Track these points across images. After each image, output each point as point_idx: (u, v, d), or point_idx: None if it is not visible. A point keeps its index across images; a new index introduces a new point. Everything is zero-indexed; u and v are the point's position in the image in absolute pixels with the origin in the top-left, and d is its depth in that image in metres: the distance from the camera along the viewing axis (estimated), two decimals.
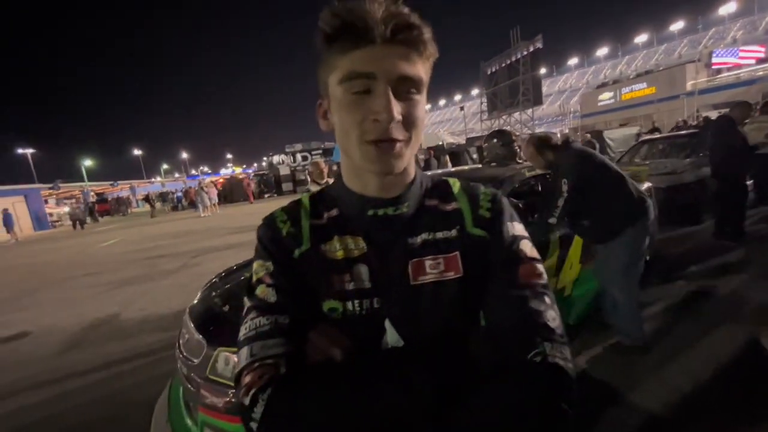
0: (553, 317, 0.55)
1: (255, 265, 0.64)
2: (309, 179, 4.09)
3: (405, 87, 0.52)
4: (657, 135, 9.74)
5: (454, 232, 0.62)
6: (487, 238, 0.61)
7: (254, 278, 0.62)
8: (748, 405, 1.98)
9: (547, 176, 2.50)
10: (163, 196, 25.34)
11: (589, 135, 11.09)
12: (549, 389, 0.49)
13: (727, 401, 2.03)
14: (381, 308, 0.59)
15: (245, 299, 0.62)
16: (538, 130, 23.09)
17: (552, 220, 2.18)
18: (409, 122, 0.53)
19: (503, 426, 0.46)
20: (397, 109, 0.51)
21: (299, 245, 0.62)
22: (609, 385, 2.21)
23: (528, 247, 0.62)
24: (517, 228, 0.63)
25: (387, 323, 0.59)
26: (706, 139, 4.76)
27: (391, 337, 0.59)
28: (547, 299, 0.57)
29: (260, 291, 0.60)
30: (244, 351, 0.56)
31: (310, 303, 0.61)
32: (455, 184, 0.68)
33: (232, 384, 1.52)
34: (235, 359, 1.64)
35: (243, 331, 0.59)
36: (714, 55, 29.00)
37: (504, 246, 0.61)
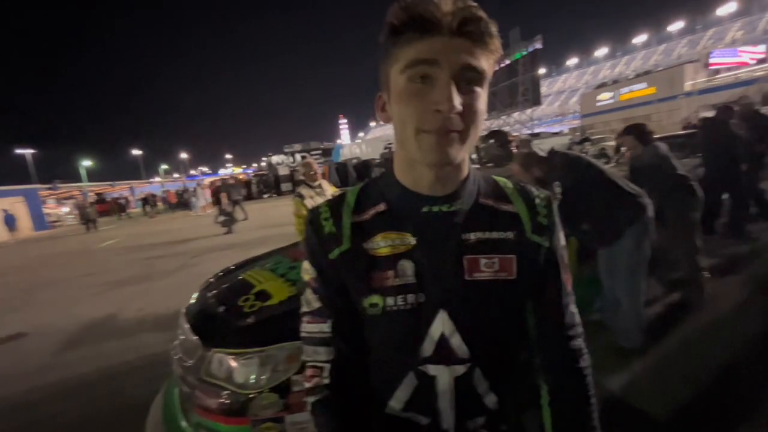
0: (578, 315, 0.70)
1: (304, 263, 0.69)
2: (302, 184, 3.68)
3: (467, 78, 0.52)
4: (588, 145, 10.15)
5: (511, 235, 0.62)
6: (544, 245, 0.64)
7: (305, 277, 0.69)
8: (748, 409, 1.97)
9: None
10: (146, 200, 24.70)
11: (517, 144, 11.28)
12: (590, 374, 0.68)
13: (725, 404, 2.02)
14: (426, 303, 0.60)
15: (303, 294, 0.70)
16: (537, 130, 23.10)
17: None
18: (469, 114, 0.53)
19: (576, 410, 0.66)
20: (458, 99, 0.51)
21: (339, 244, 0.63)
22: (605, 388, 2.20)
23: (566, 255, 0.69)
24: (562, 237, 0.69)
25: (442, 314, 0.60)
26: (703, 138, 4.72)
27: (444, 328, 0.61)
28: (574, 300, 0.70)
29: (308, 294, 0.68)
30: (305, 347, 0.69)
31: (351, 301, 0.64)
32: (507, 184, 0.68)
33: (227, 385, 1.53)
34: (230, 361, 1.64)
35: (301, 328, 0.70)
36: (712, 55, 29.00)
37: (557, 255, 0.66)
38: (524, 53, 28.25)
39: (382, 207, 0.64)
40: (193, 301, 2.16)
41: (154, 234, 12.91)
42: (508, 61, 30.45)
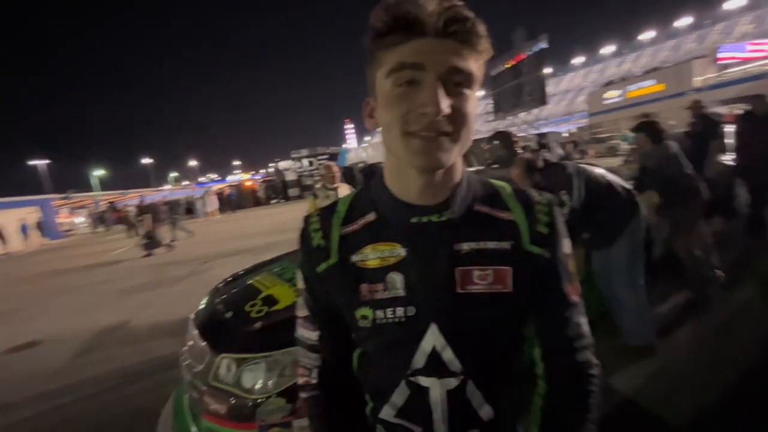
0: (586, 325, 0.66)
1: (298, 270, 0.70)
2: (320, 184, 3.82)
3: (455, 80, 0.50)
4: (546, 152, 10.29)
5: (506, 245, 0.59)
6: (545, 256, 0.60)
7: (298, 284, 0.70)
8: (762, 411, 1.93)
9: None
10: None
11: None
12: (598, 386, 0.65)
13: (739, 406, 1.98)
14: (416, 316, 0.58)
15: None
16: (543, 130, 22.91)
17: None
18: (457, 117, 0.51)
19: (579, 417, 0.63)
20: (445, 102, 0.49)
21: (326, 258, 0.63)
22: (617, 389, 2.17)
23: (573, 264, 0.65)
24: (567, 245, 0.64)
25: (433, 328, 0.58)
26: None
27: (436, 342, 0.59)
28: (582, 310, 0.66)
29: (300, 301, 0.70)
30: (297, 347, 0.73)
31: (339, 313, 0.64)
32: (505, 189, 0.64)
33: (234, 390, 1.55)
34: (237, 366, 1.65)
35: (296, 331, 0.73)
36: (720, 50, 28.55)
37: (560, 266, 0.62)
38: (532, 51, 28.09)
39: (372, 216, 0.62)
40: (201, 307, 2.19)
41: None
42: (513, 62, 30.35)
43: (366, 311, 0.60)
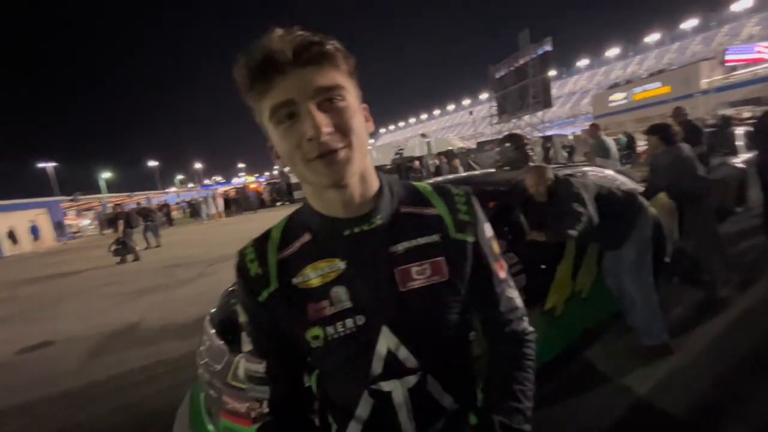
0: (518, 297, 0.73)
1: (239, 305, 0.69)
2: None
3: (327, 97, 0.54)
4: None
5: (436, 237, 0.63)
6: (469, 241, 0.66)
7: (240, 318, 0.69)
8: None
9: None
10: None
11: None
12: (533, 349, 0.71)
13: (755, 406, 1.97)
14: (366, 323, 0.60)
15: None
16: (548, 133, 22.83)
17: (572, 233, 2.21)
18: (343, 129, 0.54)
19: (516, 377, 0.68)
20: (324, 122, 0.52)
21: (267, 286, 0.63)
22: (631, 389, 2.16)
23: (496, 245, 0.72)
24: (488, 228, 0.71)
25: (384, 330, 0.61)
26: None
27: (389, 343, 0.61)
28: (513, 284, 0.73)
29: (244, 335, 0.69)
30: (248, 385, 0.70)
31: (287, 340, 0.64)
32: (426, 188, 0.69)
33: None
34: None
35: (244, 366, 0.71)
36: (728, 51, 28.39)
37: (485, 248, 0.68)
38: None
39: (306, 237, 0.64)
40: (216, 308, 2.21)
41: (171, 244, 13.16)
42: (517, 64, 30.33)
43: (316, 331, 0.61)
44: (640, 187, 3.34)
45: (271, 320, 0.64)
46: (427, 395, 0.64)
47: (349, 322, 0.60)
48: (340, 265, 0.61)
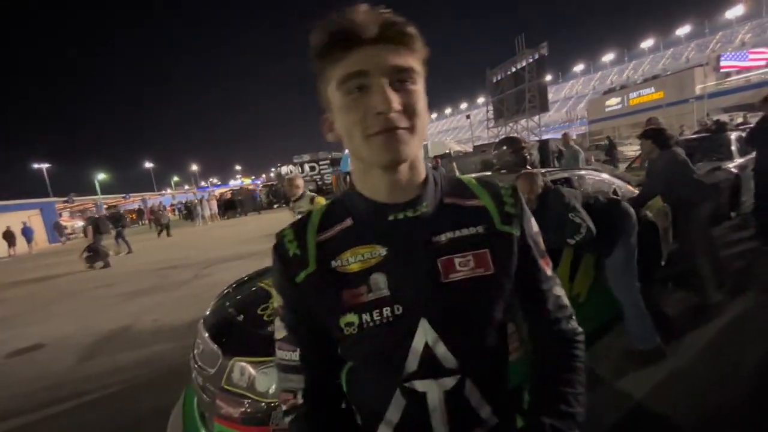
0: (565, 296, 0.70)
1: (274, 289, 0.68)
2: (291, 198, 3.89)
3: (400, 78, 0.54)
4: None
5: (481, 229, 0.61)
6: (515, 234, 0.63)
7: (274, 304, 0.68)
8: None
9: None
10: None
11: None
12: (583, 350, 0.68)
13: (747, 411, 1.97)
14: (404, 313, 0.58)
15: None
16: (545, 137, 22.92)
17: (571, 241, 2.25)
18: (409, 111, 0.54)
19: (567, 379, 0.64)
20: (395, 99, 0.52)
21: (305, 267, 0.62)
22: (624, 393, 2.16)
23: (542, 241, 0.70)
24: (534, 223, 0.68)
25: (423, 323, 0.58)
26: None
27: (427, 336, 0.58)
28: (559, 282, 0.70)
29: (278, 322, 0.68)
30: (278, 373, 0.69)
31: (322, 327, 0.62)
32: (471, 181, 0.68)
33: (248, 394, 1.54)
34: (251, 369, 1.64)
35: (276, 355, 0.69)
36: (722, 58, 28.74)
37: (531, 242, 0.66)
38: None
39: (348, 222, 0.63)
40: (210, 310, 2.18)
41: (165, 247, 13.08)
42: (514, 69, 30.52)
43: (351, 317, 0.58)
44: (635, 191, 3.35)
45: (307, 304, 0.62)
46: (464, 402, 0.60)
47: (386, 310, 0.58)
48: (381, 251, 0.59)
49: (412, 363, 0.58)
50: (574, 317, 0.69)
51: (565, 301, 0.69)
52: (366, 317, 0.58)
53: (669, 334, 2.57)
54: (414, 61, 0.56)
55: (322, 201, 3.60)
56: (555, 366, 0.66)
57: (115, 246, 11.38)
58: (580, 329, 0.69)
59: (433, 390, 0.59)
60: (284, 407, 0.66)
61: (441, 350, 0.58)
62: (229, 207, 23.51)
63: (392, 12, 0.54)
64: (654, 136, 3.11)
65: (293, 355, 0.65)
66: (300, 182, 3.90)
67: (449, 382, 0.59)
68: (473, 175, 0.72)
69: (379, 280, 0.59)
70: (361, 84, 0.53)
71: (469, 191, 0.66)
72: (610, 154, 13.05)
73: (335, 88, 0.55)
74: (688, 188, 3.00)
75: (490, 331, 0.61)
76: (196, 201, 22.66)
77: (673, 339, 2.57)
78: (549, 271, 0.68)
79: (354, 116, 0.54)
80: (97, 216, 10.80)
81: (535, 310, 0.68)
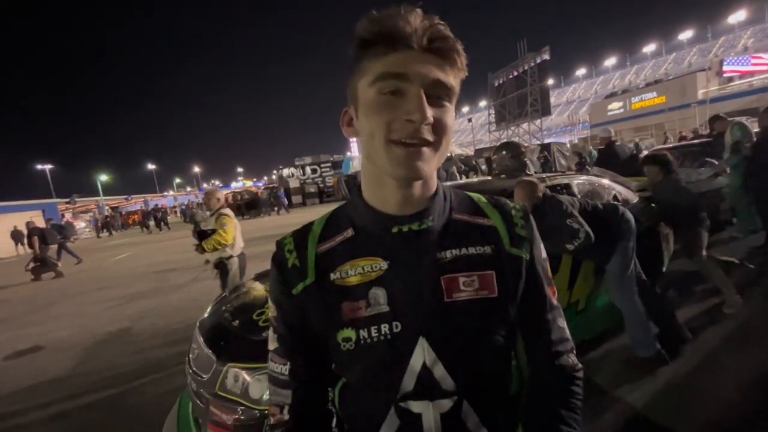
0: (567, 329, 0.67)
1: (270, 299, 0.66)
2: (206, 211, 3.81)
3: (437, 93, 0.52)
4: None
5: (488, 249, 0.59)
6: (524, 257, 0.61)
7: (268, 314, 0.66)
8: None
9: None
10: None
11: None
12: (581, 387, 0.64)
13: (751, 419, 1.94)
14: (403, 331, 0.56)
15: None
16: (546, 141, 22.88)
17: (570, 246, 2.23)
18: (439, 127, 0.52)
19: (565, 417, 0.61)
20: (430, 111, 0.50)
21: (303, 278, 0.60)
22: (624, 401, 2.14)
23: (549, 268, 0.67)
24: (543, 248, 0.66)
25: (422, 342, 0.55)
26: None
27: (426, 356, 0.56)
28: (562, 314, 0.67)
29: (270, 333, 0.66)
30: (269, 384, 0.67)
31: (315, 342, 0.60)
32: (481, 199, 0.66)
33: (242, 401, 1.52)
34: (245, 376, 1.63)
35: (268, 365, 0.67)
36: (725, 63, 28.70)
37: (540, 268, 0.64)
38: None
39: (349, 233, 0.61)
40: (206, 315, 2.17)
41: (164, 249, 13.09)
42: (516, 73, 30.53)
43: (348, 332, 0.56)
44: (635, 196, 3.34)
45: (302, 317, 0.60)
46: (461, 425, 0.57)
47: (384, 327, 0.55)
48: (383, 264, 0.57)
49: (408, 383, 0.56)
50: (574, 351, 0.67)
51: (568, 333, 0.66)
52: (363, 333, 0.56)
53: (670, 341, 2.54)
54: (454, 79, 0.54)
55: (229, 220, 3.48)
56: (552, 402, 0.63)
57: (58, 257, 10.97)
58: (580, 365, 0.66)
59: (428, 411, 0.56)
60: (271, 420, 0.64)
61: (439, 371, 0.56)
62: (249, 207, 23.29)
63: (446, 25, 0.53)
64: (661, 162, 3.11)
65: (284, 369, 0.63)
66: (220, 195, 3.77)
67: (446, 404, 0.57)
68: (483, 196, 0.68)
69: (379, 294, 0.56)
70: (397, 87, 0.51)
71: (479, 209, 0.63)
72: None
73: (368, 83, 0.52)
74: (692, 209, 3.02)
75: (492, 355, 0.59)
76: (195, 205, 22.69)
77: (674, 346, 2.54)
78: (555, 301, 0.65)
79: (383, 117, 0.51)
80: (42, 227, 10.46)
81: (537, 340, 0.65)
